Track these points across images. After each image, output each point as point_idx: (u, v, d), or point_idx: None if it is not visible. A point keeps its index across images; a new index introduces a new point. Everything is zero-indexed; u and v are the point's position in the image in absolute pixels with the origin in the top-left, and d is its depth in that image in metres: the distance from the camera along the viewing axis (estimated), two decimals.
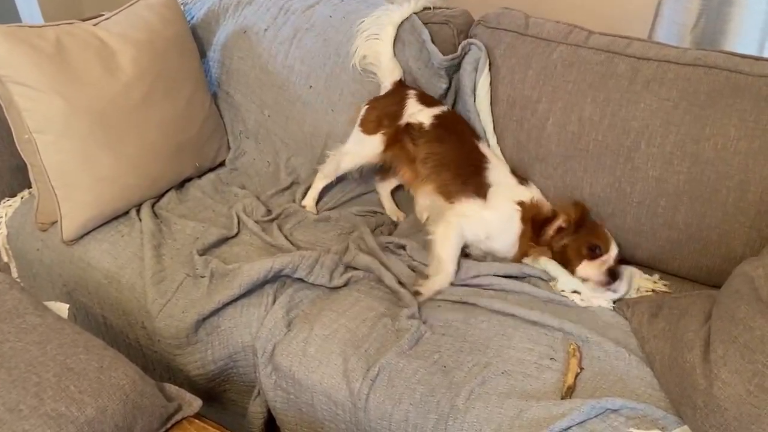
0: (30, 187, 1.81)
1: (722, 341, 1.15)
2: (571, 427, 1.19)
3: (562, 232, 1.60)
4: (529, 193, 1.66)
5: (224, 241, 1.69)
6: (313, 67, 1.90)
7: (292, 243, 1.67)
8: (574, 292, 1.53)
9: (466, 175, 1.67)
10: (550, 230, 1.60)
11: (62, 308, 1.62)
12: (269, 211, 1.81)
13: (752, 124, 1.46)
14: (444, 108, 1.79)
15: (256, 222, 1.73)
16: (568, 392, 1.26)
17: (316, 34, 1.91)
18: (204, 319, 1.49)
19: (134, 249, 1.66)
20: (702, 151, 1.50)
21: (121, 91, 1.70)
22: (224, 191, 1.91)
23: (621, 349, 1.34)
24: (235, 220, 1.73)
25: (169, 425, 1.20)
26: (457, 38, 1.84)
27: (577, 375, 1.29)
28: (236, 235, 1.71)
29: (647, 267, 1.65)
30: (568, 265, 1.58)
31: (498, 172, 1.69)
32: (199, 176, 1.97)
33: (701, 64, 1.55)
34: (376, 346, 1.38)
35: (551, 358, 1.33)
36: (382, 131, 1.77)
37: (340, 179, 1.90)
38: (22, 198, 1.91)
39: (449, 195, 1.66)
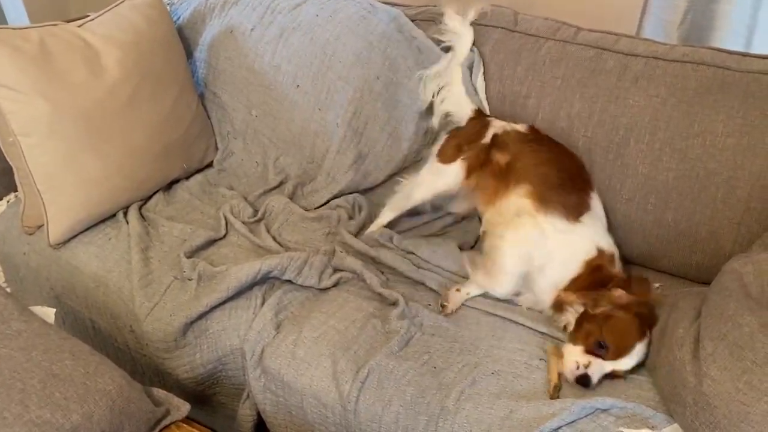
0: (16, 190, 1.79)
1: (711, 338, 1.15)
2: (561, 427, 1.19)
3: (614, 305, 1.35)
4: (611, 247, 1.50)
5: (212, 242, 1.67)
6: (300, 66, 1.89)
7: (280, 244, 1.66)
8: None
9: (571, 186, 1.54)
10: (613, 295, 1.36)
11: (48, 313, 1.61)
12: (256, 212, 1.79)
13: (740, 121, 1.46)
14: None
15: (244, 223, 1.72)
16: (556, 391, 1.25)
17: (303, 33, 1.90)
18: (192, 323, 1.48)
19: (121, 252, 1.65)
20: (690, 148, 1.50)
21: (107, 93, 1.68)
22: (212, 192, 1.90)
23: None
24: (223, 222, 1.72)
25: (157, 430, 1.19)
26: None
27: (560, 373, 1.29)
28: (224, 236, 1.70)
29: (638, 265, 1.65)
30: (573, 330, 1.37)
31: (598, 203, 1.58)
32: (187, 177, 1.95)
33: (689, 60, 1.55)
34: (365, 347, 1.37)
35: (541, 359, 1.33)
36: (462, 157, 1.67)
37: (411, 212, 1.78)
38: (8, 202, 1.90)
39: (542, 201, 1.50)
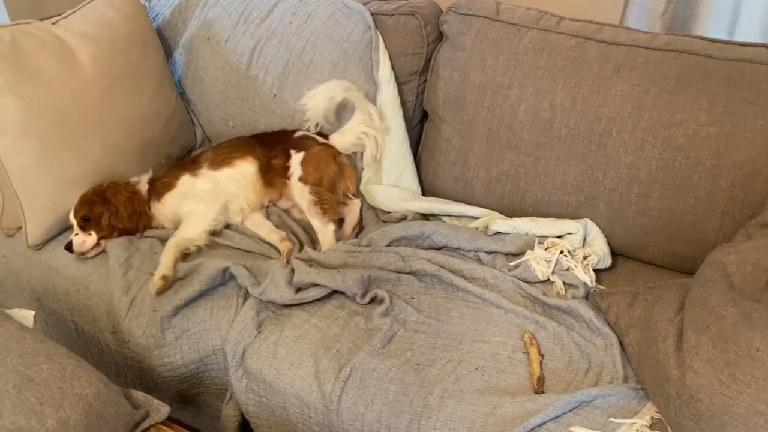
0: None
1: (694, 330, 1.14)
2: (545, 422, 1.18)
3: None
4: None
5: None
6: (276, 75, 1.88)
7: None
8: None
9: None
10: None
11: (27, 315, 1.58)
12: None
13: (722, 109, 1.44)
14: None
15: None
16: (539, 383, 1.25)
17: (278, 41, 1.88)
18: (171, 320, 1.47)
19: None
20: (673, 137, 1.49)
21: (82, 90, 1.66)
22: None
23: (589, 337, 1.36)
24: None
25: None
26: (425, 29, 1.81)
27: (540, 363, 1.28)
28: None
29: (622, 255, 1.64)
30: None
31: None
32: None
33: (671, 48, 1.53)
34: (347, 346, 1.36)
35: (524, 352, 1.32)
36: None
37: None
38: None
39: None
